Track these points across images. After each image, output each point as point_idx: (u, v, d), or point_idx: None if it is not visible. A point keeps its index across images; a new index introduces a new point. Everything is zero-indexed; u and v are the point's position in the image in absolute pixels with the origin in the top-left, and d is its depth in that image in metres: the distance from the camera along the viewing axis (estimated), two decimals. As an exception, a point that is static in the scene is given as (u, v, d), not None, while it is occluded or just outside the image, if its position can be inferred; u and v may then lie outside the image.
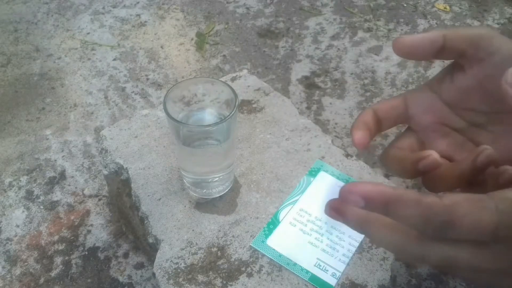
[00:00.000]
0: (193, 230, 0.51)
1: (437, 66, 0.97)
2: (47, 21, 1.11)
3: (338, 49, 1.03)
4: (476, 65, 0.34)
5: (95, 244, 0.70)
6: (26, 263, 0.67)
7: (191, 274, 0.48)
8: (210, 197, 0.54)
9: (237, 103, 0.46)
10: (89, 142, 0.84)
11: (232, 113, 0.45)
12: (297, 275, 0.47)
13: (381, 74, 0.97)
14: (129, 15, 1.13)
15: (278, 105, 0.65)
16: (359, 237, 0.50)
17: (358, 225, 0.29)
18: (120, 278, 0.66)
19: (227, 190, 0.54)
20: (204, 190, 0.53)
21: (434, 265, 0.28)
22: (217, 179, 0.52)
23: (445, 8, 1.14)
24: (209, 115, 0.51)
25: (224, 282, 0.47)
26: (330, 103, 0.90)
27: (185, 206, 0.53)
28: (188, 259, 0.49)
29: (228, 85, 0.47)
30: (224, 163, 0.51)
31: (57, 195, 0.76)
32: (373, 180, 0.56)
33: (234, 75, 0.70)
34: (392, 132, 0.84)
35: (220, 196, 0.54)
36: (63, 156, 0.82)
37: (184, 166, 0.53)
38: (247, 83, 0.68)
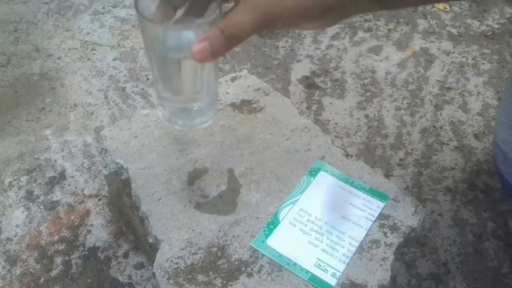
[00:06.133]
0: (193, 230, 0.51)
1: (437, 66, 0.97)
2: (47, 21, 1.11)
3: (338, 49, 1.03)
4: None
5: (95, 244, 0.70)
6: (26, 263, 0.67)
7: (191, 274, 0.48)
8: (193, 127, 0.49)
9: (221, 6, 0.40)
10: (89, 142, 0.84)
11: (216, 15, 0.39)
12: (297, 275, 0.47)
13: (381, 74, 0.97)
14: (129, 15, 1.13)
15: (278, 105, 0.65)
16: (359, 237, 0.50)
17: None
18: (120, 278, 0.66)
19: (210, 121, 0.49)
20: (186, 121, 0.48)
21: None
22: (196, 108, 0.47)
23: (445, 8, 1.14)
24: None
25: (224, 282, 0.47)
26: (330, 103, 0.90)
27: (185, 206, 0.53)
28: (188, 259, 0.49)
29: None
30: (204, 80, 0.45)
31: (57, 195, 0.76)
32: (373, 180, 0.56)
33: (234, 75, 0.70)
34: (393, 132, 0.85)
35: (220, 196, 0.54)
36: (63, 156, 0.82)
37: (160, 89, 0.46)
38: (247, 83, 0.68)
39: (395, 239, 0.50)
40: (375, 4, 0.39)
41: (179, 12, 0.43)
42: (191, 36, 0.38)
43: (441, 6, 1.15)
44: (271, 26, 0.38)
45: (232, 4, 0.41)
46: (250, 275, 0.47)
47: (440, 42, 1.04)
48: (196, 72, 0.43)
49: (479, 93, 0.92)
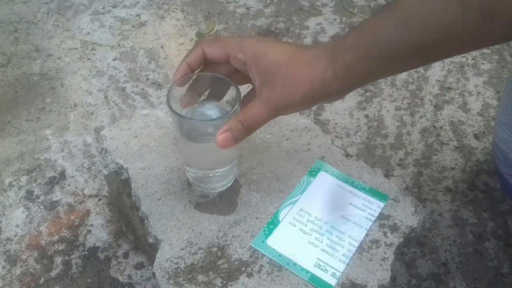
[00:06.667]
0: (193, 230, 0.51)
1: (437, 66, 0.97)
2: (47, 21, 1.12)
3: (338, 49, 1.03)
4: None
5: (95, 244, 0.70)
6: (26, 263, 0.67)
7: (191, 274, 0.48)
8: (214, 191, 0.54)
9: (240, 98, 0.47)
10: (89, 142, 0.84)
11: (235, 108, 0.45)
12: (297, 275, 0.47)
13: (381, 74, 0.96)
14: (129, 15, 1.13)
15: (278, 105, 0.65)
16: (359, 237, 0.50)
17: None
18: (120, 278, 0.66)
19: (231, 183, 0.55)
20: (208, 185, 0.54)
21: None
22: (219, 173, 0.52)
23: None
24: (211, 110, 0.51)
25: (224, 282, 0.47)
26: (330, 103, 0.90)
27: (185, 206, 0.53)
28: (188, 259, 0.49)
29: (232, 81, 0.48)
30: (226, 158, 0.51)
31: (57, 195, 0.76)
32: (373, 180, 0.56)
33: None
34: (393, 132, 0.85)
35: (220, 196, 0.54)
36: (63, 156, 0.82)
37: (187, 161, 0.53)
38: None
39: (395, 239, 0.51)
40: (368, 82, 0.45)
41: (203, 97, 0.51)
42: (215, 126, 0.45)
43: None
44: (283, 114, 0.44)
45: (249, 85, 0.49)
46: (250, 275, 0.47)
47: (440, 42, 1.04)
48: (217, 152, 0.49)
49: (479, 93, 0.92)
